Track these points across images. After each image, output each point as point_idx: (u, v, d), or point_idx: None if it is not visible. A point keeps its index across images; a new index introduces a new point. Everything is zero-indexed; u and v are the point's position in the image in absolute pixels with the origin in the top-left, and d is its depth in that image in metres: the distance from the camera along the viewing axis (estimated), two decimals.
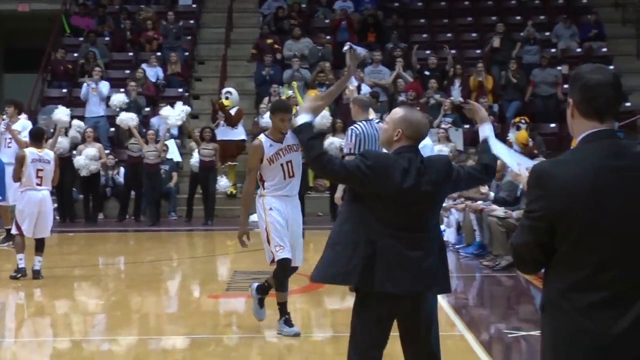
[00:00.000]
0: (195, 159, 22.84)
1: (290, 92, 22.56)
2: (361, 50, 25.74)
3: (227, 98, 24.38)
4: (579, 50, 27.13)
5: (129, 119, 21.66)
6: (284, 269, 9.66)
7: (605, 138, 4.28)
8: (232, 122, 23.83)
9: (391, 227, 5.82)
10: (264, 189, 9.80)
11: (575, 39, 27.43)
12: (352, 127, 13.30)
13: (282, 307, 9.98)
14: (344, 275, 5.85)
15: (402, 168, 5.89)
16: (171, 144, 23.68)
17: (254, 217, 21.73)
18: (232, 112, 24.29)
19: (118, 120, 21.97)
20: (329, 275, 6.02)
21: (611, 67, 24.90)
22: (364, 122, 13.06)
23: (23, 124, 18.81)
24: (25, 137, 17.29)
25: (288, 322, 9.89)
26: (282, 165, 9.64)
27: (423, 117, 6.37)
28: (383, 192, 5.85)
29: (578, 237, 4.22)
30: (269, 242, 9.65)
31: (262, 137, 9.75)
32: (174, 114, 23.09)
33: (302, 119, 6.20)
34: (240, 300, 13.72)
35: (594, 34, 27.22)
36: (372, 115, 14.38)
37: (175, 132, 24.32)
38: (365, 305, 5.94)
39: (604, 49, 27.24)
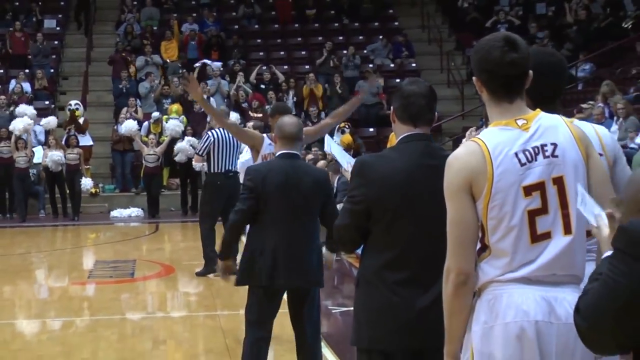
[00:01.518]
0: (49, 161, 22.05)
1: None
2: (216, 64, 26.28)
3: (77, 109, 23.87)
4: (392, 65, 27.33)
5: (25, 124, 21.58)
6: None
7: (419, 140, 4.42)
8: (81, 129, 23.46)
9: (278, 235, 5.92)
10: None
11: (389, 56, 27.72)
12: (208, 131, 13.54)
13: None
14: (254, 277, 6.07)
15: (282, 170, 6.01)
16: (38, 150, 23.06)
17: (115, 213, 22.85)
18: (81, 121, 23.76)
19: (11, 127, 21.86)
20: (244, 279, 6.22)
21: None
22: (219, 129, 13.11)
23: None
24: None
25: None
26: None
27: (292, 119, 6.44)
28: (269, 196, 5.92)
29: (389, 222, 4.32)
30: None
31: (264, 134, 9.13)
32: (23, 123, 22.60)
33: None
34: (100, 287, 13.61)
35: (405, 54, 27.50)
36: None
37: (42, 138, 23.61)
38: (257, 295, 6.14)
39: (413, 65, 27.52)
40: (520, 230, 3.54)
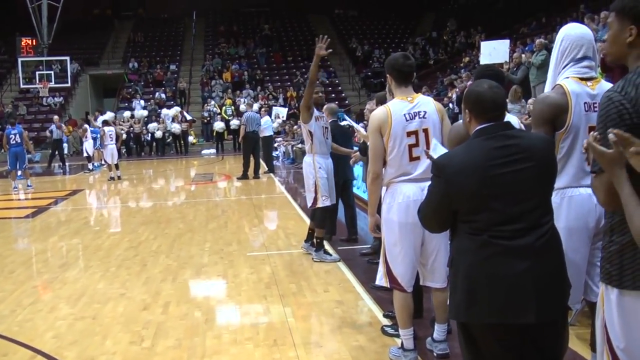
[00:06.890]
0: (173, 129, 24.97)
1: None
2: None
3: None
4: (327, 81, 28.46)
5: None
6: (325, 211, 7.00)
7: None
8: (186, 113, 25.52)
9: None
10: (312, 149, 6.77)
11: (326, 77, 28.91)
12: (245, 113, 15.18)
13: (320, 241, 7.06)
14: None
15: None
16: (168, 123, 25.64)
17: (204, 152, 23.96)
18: (186, 111, 25.78)
19: None
20: None
21: None
22: (249, 112, 15.07)
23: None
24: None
25: (326, 252, 7.10)
26: (322, 127, 6.80)
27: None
28: None
29: None
30: (316, 192, 6.85)
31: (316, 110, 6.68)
32: (164, 113, 25.14)
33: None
34: (197, 185, 14.30)
35: (333, 76, 29.05)
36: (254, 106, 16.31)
37: (169, 118, 25.73)
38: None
39: (337, 81, 29.57)
40: (403, 154, 3.71)
